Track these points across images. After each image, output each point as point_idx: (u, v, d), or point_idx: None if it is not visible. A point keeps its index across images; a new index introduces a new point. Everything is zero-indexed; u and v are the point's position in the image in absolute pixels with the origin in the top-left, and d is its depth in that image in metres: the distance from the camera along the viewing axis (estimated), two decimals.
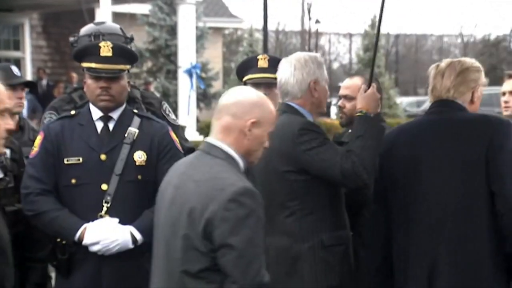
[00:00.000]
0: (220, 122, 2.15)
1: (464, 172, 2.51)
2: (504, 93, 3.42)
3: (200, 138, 12.62)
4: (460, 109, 2.64)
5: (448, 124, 2.60)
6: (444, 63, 2.71)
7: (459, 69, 2.66)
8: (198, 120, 13.91)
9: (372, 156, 2.57)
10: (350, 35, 31.28)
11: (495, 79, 20.60)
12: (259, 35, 19.98)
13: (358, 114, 2.69)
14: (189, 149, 3.38)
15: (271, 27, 25.42)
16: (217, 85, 18.02)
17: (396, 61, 38.84)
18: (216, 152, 2.14)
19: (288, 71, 2.69)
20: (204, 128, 13.73)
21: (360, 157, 2.54)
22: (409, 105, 28.42)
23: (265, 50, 12.71)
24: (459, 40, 35.06)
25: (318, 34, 26.99)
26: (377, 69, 19.50)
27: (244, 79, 3.33)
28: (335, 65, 33.71)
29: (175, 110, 13.66)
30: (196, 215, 2.04)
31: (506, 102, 3.36)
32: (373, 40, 19.73)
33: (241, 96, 2.17)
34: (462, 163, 2.51)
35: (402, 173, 2.60)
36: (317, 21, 27.39)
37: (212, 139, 2.17)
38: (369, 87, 2.73)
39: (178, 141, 2.99)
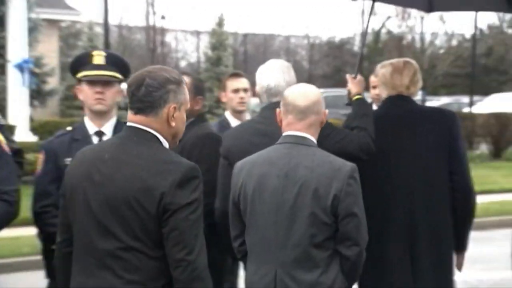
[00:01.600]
0: (307, 121, 2.70)
1: (429, 156, 3.22)
2: (238, 90, 4.26)
3: (34, 138, 12.00)
4: (415, 103, 3.38)
5: (412, 115, 3.30)
6: (398, 62, 3.40)
7: (413, 70, 3.38)
8: (31, 119, 13.23)
9: (373, 131, 3.16)
10: (198, 33, 31.52)
11: (340, 81, 21.80)
12: (100, 29, 19.45)
13: (357, 97, 3.33)
14: (17, 150, 3.23)
15: (113, 21, 24.86)
16: (53, 81, 17.26)
17: (244, 61, 39.78)
18: (309, 142, 2.70)
19: (278, 75, 3.13)
20: (38, 128, 13.07)
21: (369, 131, 3.12)
22: (258, 106, 29.00)
23: (107, 45, 12.40)
24: (305, 41, 36.70)
25: (163, 31, 26.90)
26: (224, 68, 19.83)
27: (78, 76, 3.23)
28: (183, 63, 33.79)
29: (4, 109, 12.87)
30: (322, 193, 2.59)
31: (241, 98, 4.16)
32: (221, 38, 20.06)
33: (314, 94, 2.74)
34: (427, 149, 3.22)
35: (376, 156, 3.14)
36: (163, 17, 27.29)
37: (297, 132, 2.70)
38: (356, 76, 3.44)
39: (4, 142, 2.84)
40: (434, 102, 28.26)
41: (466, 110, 20.23)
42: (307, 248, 2.60)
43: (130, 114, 2.29)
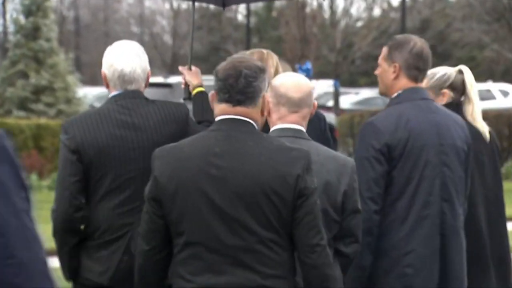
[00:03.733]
0: (301, 114, 3.55)
1: None
2: None
3: None
4: None
5: None
6: (259, 50, 4.46)
7: (276, 59, 4.42)
8: None
9: None
10: None
11: (217, 64, 21.84)
12: None
13: (200, 89, 4.34)
14: None
15: None
16: None
17: (76, 33, 39.10)
18: (306, 135, 3.54)
19: (133, 60, 3.86)
20: None
21: None
22: (97, 99, 28.71)
23: None
24: (167, 6, 36.66)
25: None
26: (45, 43, 19.39)
27: None
28: None
29: None
30: (333, 189, 3.45)
31: None
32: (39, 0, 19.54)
33: (307, 85, 3.59)
34: None
35: None
36: None
37: (293, 125, 3.53)
38: (190, 66, 4.47)
39: None
40: (351, 96, 29.06)
41: None
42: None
43: (226, 107, 3.12)
